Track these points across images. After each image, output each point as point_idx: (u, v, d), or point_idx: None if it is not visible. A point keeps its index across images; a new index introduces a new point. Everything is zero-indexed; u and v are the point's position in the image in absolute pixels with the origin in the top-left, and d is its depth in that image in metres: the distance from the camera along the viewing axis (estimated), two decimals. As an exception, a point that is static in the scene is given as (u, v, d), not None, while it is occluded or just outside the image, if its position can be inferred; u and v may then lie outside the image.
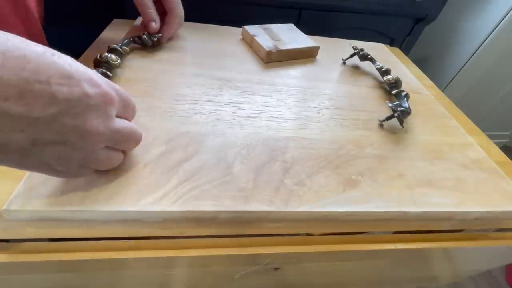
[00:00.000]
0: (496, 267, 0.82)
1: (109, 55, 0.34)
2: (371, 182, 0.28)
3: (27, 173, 0.23)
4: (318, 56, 0.49)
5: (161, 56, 0.41)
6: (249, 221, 0.25)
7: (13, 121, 0.15)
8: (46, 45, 0.17)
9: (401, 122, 0.35)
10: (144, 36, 0.41)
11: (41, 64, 0.16)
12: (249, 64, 0.44)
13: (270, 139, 0.31)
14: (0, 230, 0.22)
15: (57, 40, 0.40)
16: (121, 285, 0.30)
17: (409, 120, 0.38)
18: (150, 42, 0.41)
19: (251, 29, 0.49)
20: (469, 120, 0.44)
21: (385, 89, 0.44)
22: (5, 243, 0.22)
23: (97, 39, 0.43)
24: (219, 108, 0.34)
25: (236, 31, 0.52)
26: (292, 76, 0.43)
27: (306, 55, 0.48)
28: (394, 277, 0.41)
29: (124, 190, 0.23)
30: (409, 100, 0.38)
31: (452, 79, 1.14)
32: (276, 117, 0.34)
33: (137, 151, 0.26)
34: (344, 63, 0.50)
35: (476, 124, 0.43)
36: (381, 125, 0.36)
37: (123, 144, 0.23)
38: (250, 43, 0.48)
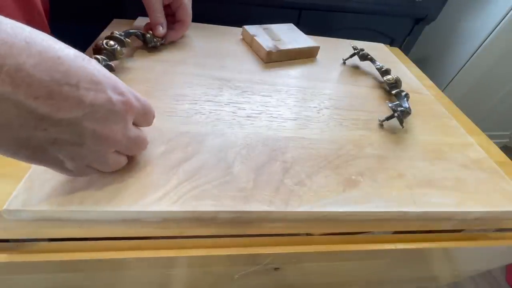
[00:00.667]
0: (496, 267, 0.82)
1: (106, 41, 0.34)
2: (371, 182, 0.28)
3: (27, 173, 0.23)
4: (318, 56, 0.49)
5: (161, 56, 0.41)
6: (249, 221, 0.25)
7: (38, 119, 0.16)
8: None
9: (401, 122, 0.35)
10: (148, 35, 0.41)
11: (72, 67, 0.16)
12: (249, 64, 0.44)
13: (270, 139, 0.31)
14: (0, 230, 0.22)
15: (57, 39, 0.40)
16: (121, 285, 0.30)
17: (409, 120, 0.38)
18: (152, 43, 0.41)
19: (251, 29, 0.49)
20: (469, 120, 0.44)
21: (385, 89, 0.44)
22: (5, 243, 0.22)
23: (97, 39, 0.43)
24: (219, 108, 0.34)
25: (236, 31, 0.52)
26: (292, 76, 0.43)
27: (306, 55, 0.48)
28: (394, 277, 0.41)
29: (124, 190, 0.23)
30: (409, 100, 0.38)
31: (452, 79, 1.14)
32: (276, 117, 0.34)
33: (137, 151, 0.26)
34: (344, 63, 0.50)
35: (476, 124, 0.43)
36: (381, 125, 0.36)
37: (133, 150, 0.24)
38: (250, 43, 0.48)
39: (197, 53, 0.44)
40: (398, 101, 0.38)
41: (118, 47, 0.35)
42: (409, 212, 0.27)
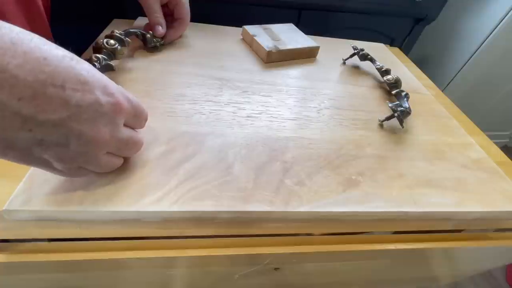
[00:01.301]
0: (496, 267, 0.82)
1: (106, 40, 0.34)
2: (371, 182, 0.28)
3: (27, 173, 0.23)
4: (318, 56, 0.49)
5: (161, 56, 0.41)
6: (249, 221, 0.25)
7: (23, 120, 0.16)
8: (52, 41, 0.17)
9: (401, 122, 0.35)
10: (148, 35, 0.41)
11: (58, 68, 0.16)
12: (249, 64, 0.44)
13: (270, 139, 0.31)
14: (0, 230, 0.22)
15: (56, 39, 0.40)
16: (121, 285, 0.30)
17: (409, 120, 0.38)
18: (152, 43, 0.41)
19: (251, 29, 0.49)
20: (469, 120, 0.44)
21: (385, 89, 0.44)
22: (5, 243, 0.22)
23: (97, 38, 0.43)
24: (219, 108, 0.34)
25: (236, 31, 0.52)
26: (292, 76, 0.43)
27: (306, 55, 0.48)
28: (394, 277, 0.41)
29: (123, 190, 0.23)
30: (409, 100, 0.38)
31: (452, 79, 1.14)
32: (276, 117, 0.34)
33: (137, 151, 0.26)
34: (344, 63, 0.50)
35: (476, 124, 0.43)
36: (381, 125, 0.36)
37: (125, 152, 0.23)
38: (250, 43, 0.48)
39: (197, 53, 0.44)
40: (398, 101, 0.38)
41: (119, 47, 0.35)
42: (409, 212, 0.27)
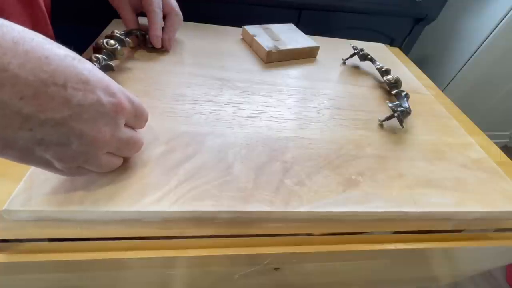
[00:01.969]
0: (496, 267, 0.82)
1: (106, 41, 0.34)
2: (371, 182, 0.28)
3: (27, 173, 0.23)
4: (318, 56, 0.49)
5: (161, 56, 0.41)
6: (249, 221, 0.25)
7: (23, 119, 0.16)
8: (53, 39, 0.17)
9: (401, 122, 0.35)
10: (148, 36, 0.41)
11: (60, 67, 0.16)
12: (249, 64, 0.44)
13: (270, 139, 0.31)
14: (0, 230, 0.22)
15: (56, 39, 0.40)
16: (121, 285, 0.30)
17: (409, 120, 0.38)
18: (151, 44, 0.41)
19: (251, 29, 0.49)
20: (469, 120, 0.44)
21: (385, 89, 0.44)
22: (5, 243, 0.22)
23: (98, 38, 0.43)
24: (219, 108, 0.34)
25: (236, 31, 0.52)
26: (292, 76, 0.43)
27: (306, 55, 0.48)
28: (394, 277, 0.41)
29: (124, 190, 0.23)
30: (409, 100, 0.38)
31: (452, 79, 1.14)
32: (276, 117, 0.34)
33: (137, 151, 0.26)
34: (344, 63, 0.50)
35: (476, 124, 0.43)
36: (381, 125, 0.36)
37: (125, 152, 0.23)
38: (250, 43, 0.48)
39: (197, 53, 0.44)
40: (398, 101, 0.38)
41: (119, 47, 0.35)
42: (409, 212, 0.27)
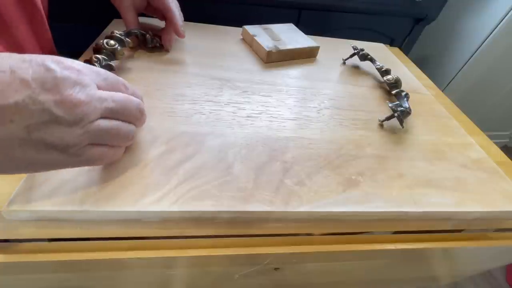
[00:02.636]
0: (496, 267, 0.82)
1: (106, 41, 0.34)
2: (371, 182, 0.28)
3: (27, 173, 0.23)
4: (318, 56, 0.49)
5: (161, 56, 0.41)
6: (249, 221, 0.25)
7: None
8: (52, 41, 0.18)
9: (401, 122, 0.35)
10: (148, 36, 0.41)
11: (2, 59, 0.17)
12: (249, 64, 0.44)
13: (270, 139, 0.31)
14: (0, 230, 0.22)
15: (56, 39, 0.40)
16: (121, 285, 0.30)
17: (409, 120, 0.38)
18: (152, 43, 0.41)
19: (251, 29, 0.49)
20: (469, 120, 0.44)
21: (385, 89, 0.44)
22: (5, 243, 0.22)
23: (97, 39, 0.43)
24: (219, 108, 0.34)
25: (236, 31, 0.52)
26: (292, 76, 0.43)
27: (306, 55, 0.48)
28: (394, 277, 0.41)
29: (124, 190, 0.23)
30: (409, 100, 0.38)
31: (452, 79, 1.14)
32: (276, 117, 0.34)
33: (137, 151, 0.27)
34: (344, 63, 0.50)
35: (476, 124, 0.43)
36: (381, 125, 0.36)
37: (122, 114, 0.22)
38: (250, 43, 0.48)
39: (197, 53, 0.44)
40: (398, 101, 0.38)
41: (119, 47, 0.35)
42: (409, 212, 0.27)
